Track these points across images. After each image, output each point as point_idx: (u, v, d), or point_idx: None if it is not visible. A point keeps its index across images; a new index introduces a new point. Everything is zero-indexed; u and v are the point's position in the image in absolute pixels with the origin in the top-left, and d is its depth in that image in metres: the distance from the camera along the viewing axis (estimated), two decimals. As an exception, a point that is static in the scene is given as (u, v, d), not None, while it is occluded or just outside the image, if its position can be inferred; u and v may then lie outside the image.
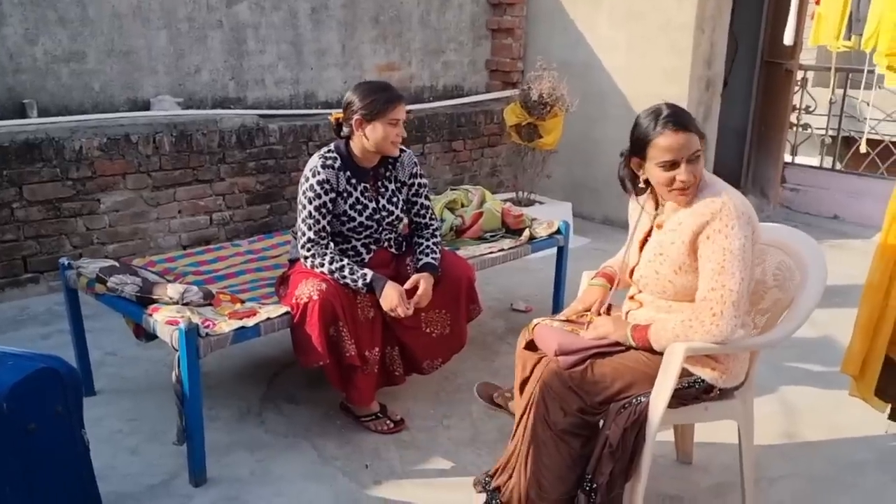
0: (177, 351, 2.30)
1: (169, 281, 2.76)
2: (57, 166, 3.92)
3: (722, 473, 2.56)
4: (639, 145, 2.09)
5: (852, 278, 3.64)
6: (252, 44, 4.76)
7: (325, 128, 4.92)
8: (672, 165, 2.02)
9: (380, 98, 2.60)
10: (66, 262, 2.80)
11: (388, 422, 2.79)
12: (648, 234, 2.22)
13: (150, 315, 2.42)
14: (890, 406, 2.66)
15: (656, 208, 2.20)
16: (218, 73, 4.67)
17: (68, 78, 4.14)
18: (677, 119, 2.03)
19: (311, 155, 4.88)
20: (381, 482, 2.49)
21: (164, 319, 2.36)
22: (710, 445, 2.66)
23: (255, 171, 4.68)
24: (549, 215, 3.95)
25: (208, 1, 4.51)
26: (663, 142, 2.01)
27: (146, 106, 4.40)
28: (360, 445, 2.69)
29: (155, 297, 2.47)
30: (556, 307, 3.60)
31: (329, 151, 2.68)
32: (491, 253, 3.30)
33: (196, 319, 2.31)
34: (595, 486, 2.00)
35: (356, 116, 2.60)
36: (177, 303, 2.43)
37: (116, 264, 2.69)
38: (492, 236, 3.49)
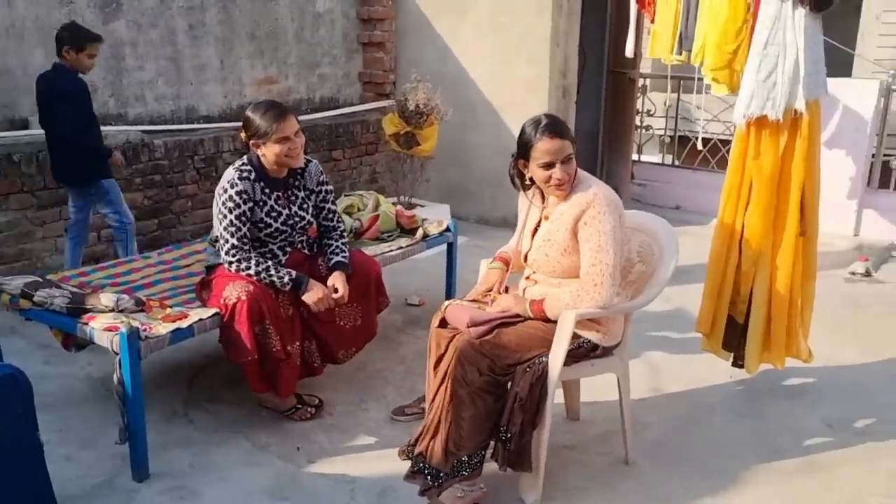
0: (117, 355, 2.45)
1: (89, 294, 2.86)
2: None
3: (604, 424, 3.02)
4: (523, 149, 2.50)
5: (695, 258, 4.24)
6: (130, 60, 4.81)
7: (209, 142, 5.05)
8: (549, 166, 2.44)
9: (264, 121, 2.79)
10: (-22, 281, 2.83)
11: (308, 409, 3.03)
12: (538, 224, 2.63)
13: (86, 324, 2.55)
14: (732, 355, 3.23)
15: (543, 202, 2.62)
16: (98, 89, 4.67)
17: (-58, 98, 4.04)
18: (553, 127, 2.46)
19: (196, 169, 5.05)
20: (315, 461, 2.75)
21: (102, 326, 2.50)
22: (592, 403, 3.12)
23: (142, 186, 4.73)
24: (429, 217, 4.31)
25: (84, 18, 4.52)
26: (542, 146, 2.44)
27: (25, 125, 4.35)
28: (289, 433, 2.93)
29: (88, 306, 2.59)
30: (450, 297, 3.97)
31: (244, 164, 2.89)
32: (391, 251, 3.62)
33: (135, 324, 2.47)
34: (509, 435, 2.38)
35: (251, 141, 2.83)
36: (112, 310, 2.57)
37: (39, 279, 2.77)
38: (388, 236, 3.81)
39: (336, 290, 2.91)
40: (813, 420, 3.10)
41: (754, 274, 3.04)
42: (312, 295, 2.81)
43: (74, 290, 2.82)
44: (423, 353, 2.94)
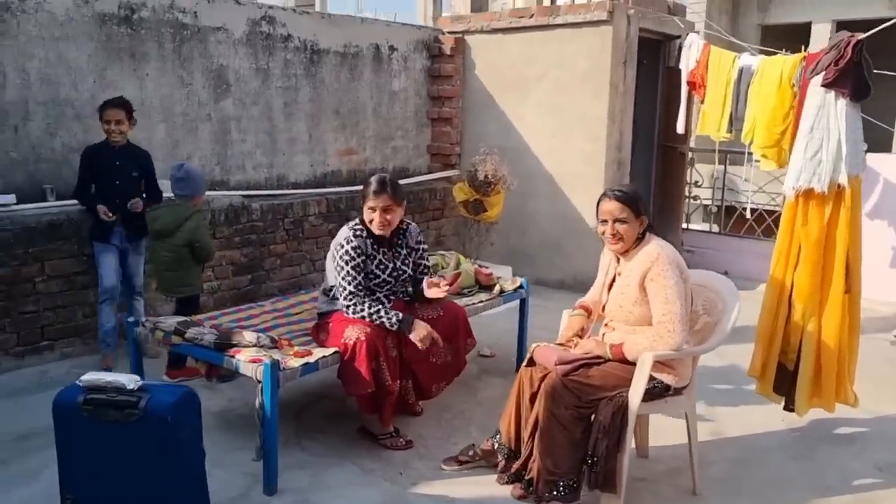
0: (260, 383, 2.90)
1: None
2: (75, 244, 4.40)
3: (671, 462, 3.36)
4: (597, 208, 2.98)
5: (744, 320, 4.59)
6: (235, 134, 5.43)
7: (297, 206, 5.62)
8: (604, 222, 2.92)
9: (366, 188, 3.35)
10: (134, 320, 3.34)
11: (400, 440, 3.43)
12: (613, 280, 3.06)
13: (233, 357, 3.02)
14: (784, 399, 3.57)
15: (617, 262, 3.05)
16: (206, 159, 5.29)
17: (81, 166, 4.66)
18: (612, 191, 2.96)
19: (286, 230, 5.58)
20: (417, 483, 3.14)
21: (248, 359, 2.97)
22: (659, 447, 3.46)
23: (240, 244, 5.28)
24: (496, 277, 4.74)
25: (199, 98, 5.17)
26: (601, 205, 2.95)
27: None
28: (391, 460, 3.32)
29: (234, 342, 3.06)
30: (521, 347, 4.38)
31: (356, 224, 3.40)
32: (472, 304, 4.06)
33: (276, 357, 2.93)
34: (595, 458, 2.75)
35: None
36: (255, 345, 3.04)
37: (188, 319, 3.27)
38: (468, 292, 4.26)
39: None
40: (862, 463, 3.40)
41: (803, 326, 3.41)
42: (418, 333, 3.25)
43: (217, 329, 3.30)
44: (499, 397, 3.37)
